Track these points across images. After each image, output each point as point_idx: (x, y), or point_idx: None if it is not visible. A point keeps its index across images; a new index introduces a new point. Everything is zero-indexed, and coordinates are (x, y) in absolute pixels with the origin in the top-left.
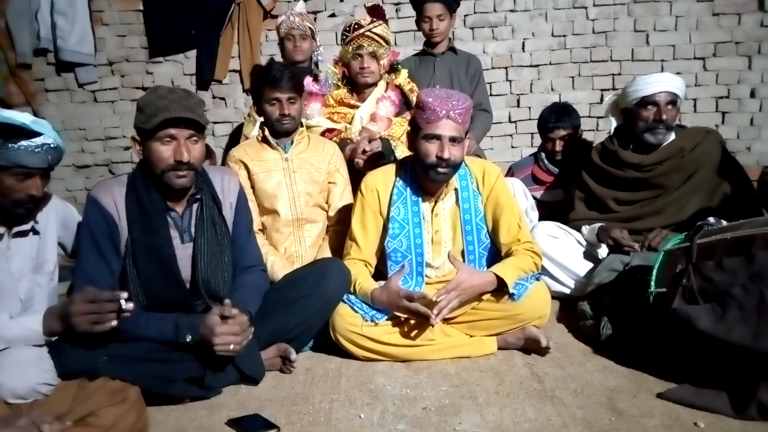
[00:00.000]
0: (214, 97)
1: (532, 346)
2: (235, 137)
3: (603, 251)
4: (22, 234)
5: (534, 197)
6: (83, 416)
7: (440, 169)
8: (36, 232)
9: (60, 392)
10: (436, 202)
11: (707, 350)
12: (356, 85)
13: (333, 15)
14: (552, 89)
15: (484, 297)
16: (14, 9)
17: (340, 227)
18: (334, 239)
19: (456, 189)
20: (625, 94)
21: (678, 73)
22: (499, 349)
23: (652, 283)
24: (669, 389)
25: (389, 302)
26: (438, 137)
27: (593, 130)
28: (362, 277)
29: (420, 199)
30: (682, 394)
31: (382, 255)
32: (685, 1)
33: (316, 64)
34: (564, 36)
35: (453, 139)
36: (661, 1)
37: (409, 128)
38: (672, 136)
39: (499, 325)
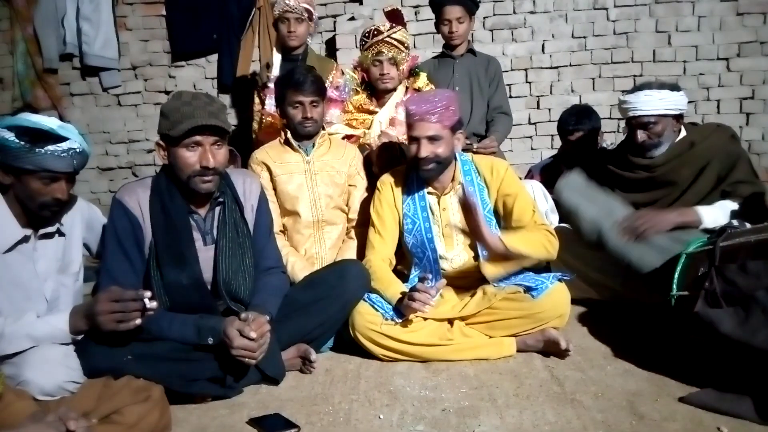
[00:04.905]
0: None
1: (551, 349)
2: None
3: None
4: (48, 236)
5: (553, 199)
6: (108, 414)
7: (423, 166)
8: (62, 234)
9: (86, 390)
10: (442, 196)
11: (730, 354)
12: (375, 91)
13: (352, 18)
14: (572, 91)
15: (503, 296)
16: (41, 15)
17: (363, 229)
18: (361, 239)
19: (461, 183)
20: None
21: (701, 74)
22: (518, 351)
23: (674, 286)
24: (691, 393)
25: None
26: (416, 139)
27: (614, 132)
28: (385, 283)
29: (425, 194)
30: (704, 399)
31: (403, 255)
32: (709, 1)
33: (333, 54)
34: (584, 37)
35: (431, 138)
36: (683, 1)
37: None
38: (665, 148)
39: (518, 325)
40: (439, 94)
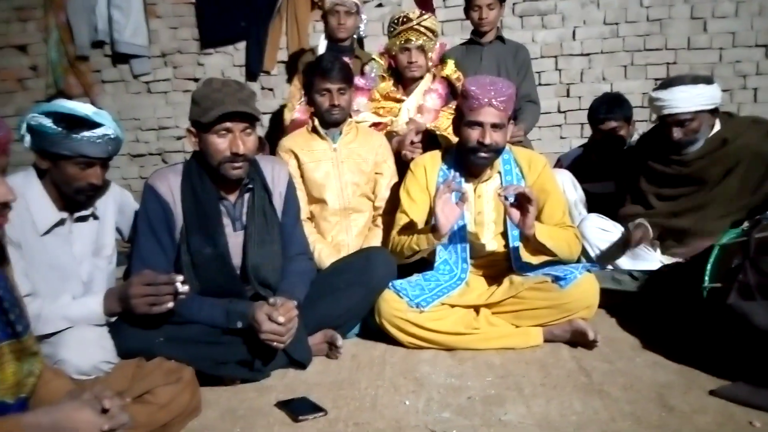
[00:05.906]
0: (262, 88)
1: (579, 339)
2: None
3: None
4: (83, 219)
5: (583, 189)
6: (141, 394)
7: (481, 154)
8: (96, 218)
9: (119, 370)
10: (479, 184)
11: (764, 347)
12: (402, 78)
13: (380, 5)
14: (603, 78)
15: (531, 285)
16: (74, 4)
17: (390, 217)
18: (387, 227)
19: (500, 172)
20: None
21: (737, 62)
22: (545, 341)
23: (706, 278)
24: (722, 386)
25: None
26: (480, 124)
27: (646, 121)
28: (409, 238)
29: (463, 181)
30: (736, 392)
31: None
32: None
33: (360, 41)
34: (616, 24)
35: (495, 125)
36: None
37: (455, 114)
38: (701, 143)
39: (546, 315)
40: (502, 82)
